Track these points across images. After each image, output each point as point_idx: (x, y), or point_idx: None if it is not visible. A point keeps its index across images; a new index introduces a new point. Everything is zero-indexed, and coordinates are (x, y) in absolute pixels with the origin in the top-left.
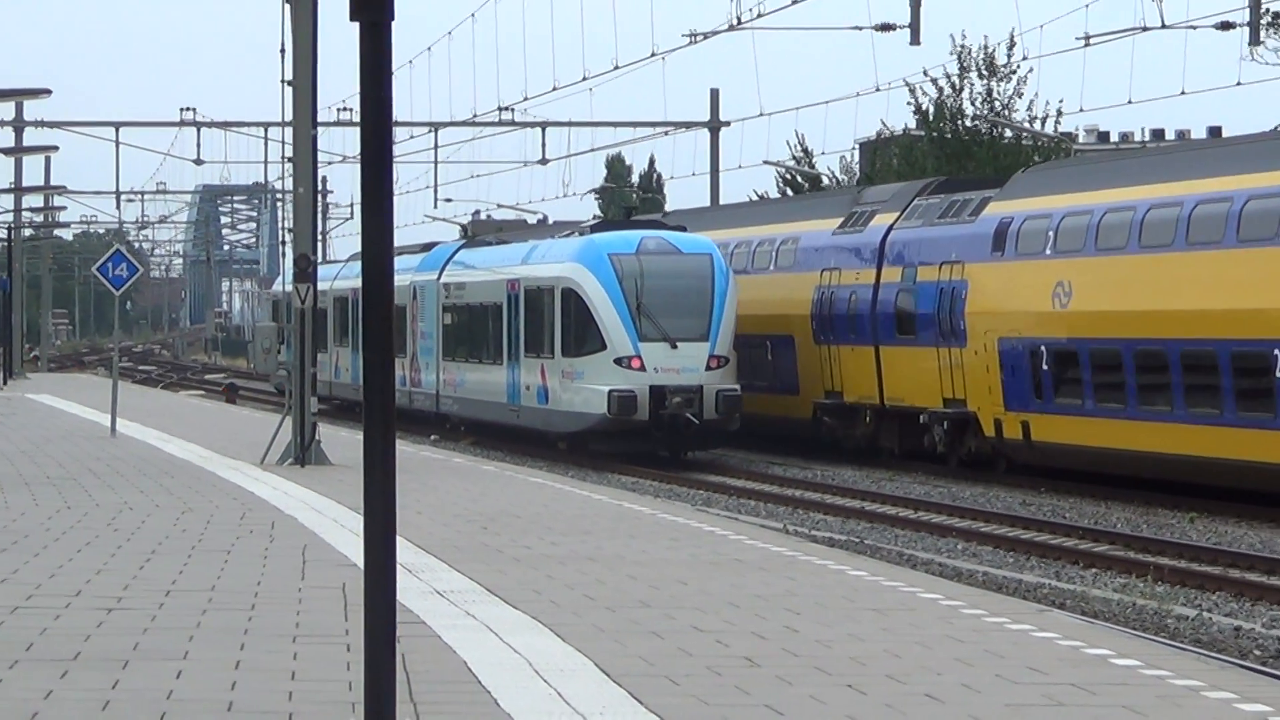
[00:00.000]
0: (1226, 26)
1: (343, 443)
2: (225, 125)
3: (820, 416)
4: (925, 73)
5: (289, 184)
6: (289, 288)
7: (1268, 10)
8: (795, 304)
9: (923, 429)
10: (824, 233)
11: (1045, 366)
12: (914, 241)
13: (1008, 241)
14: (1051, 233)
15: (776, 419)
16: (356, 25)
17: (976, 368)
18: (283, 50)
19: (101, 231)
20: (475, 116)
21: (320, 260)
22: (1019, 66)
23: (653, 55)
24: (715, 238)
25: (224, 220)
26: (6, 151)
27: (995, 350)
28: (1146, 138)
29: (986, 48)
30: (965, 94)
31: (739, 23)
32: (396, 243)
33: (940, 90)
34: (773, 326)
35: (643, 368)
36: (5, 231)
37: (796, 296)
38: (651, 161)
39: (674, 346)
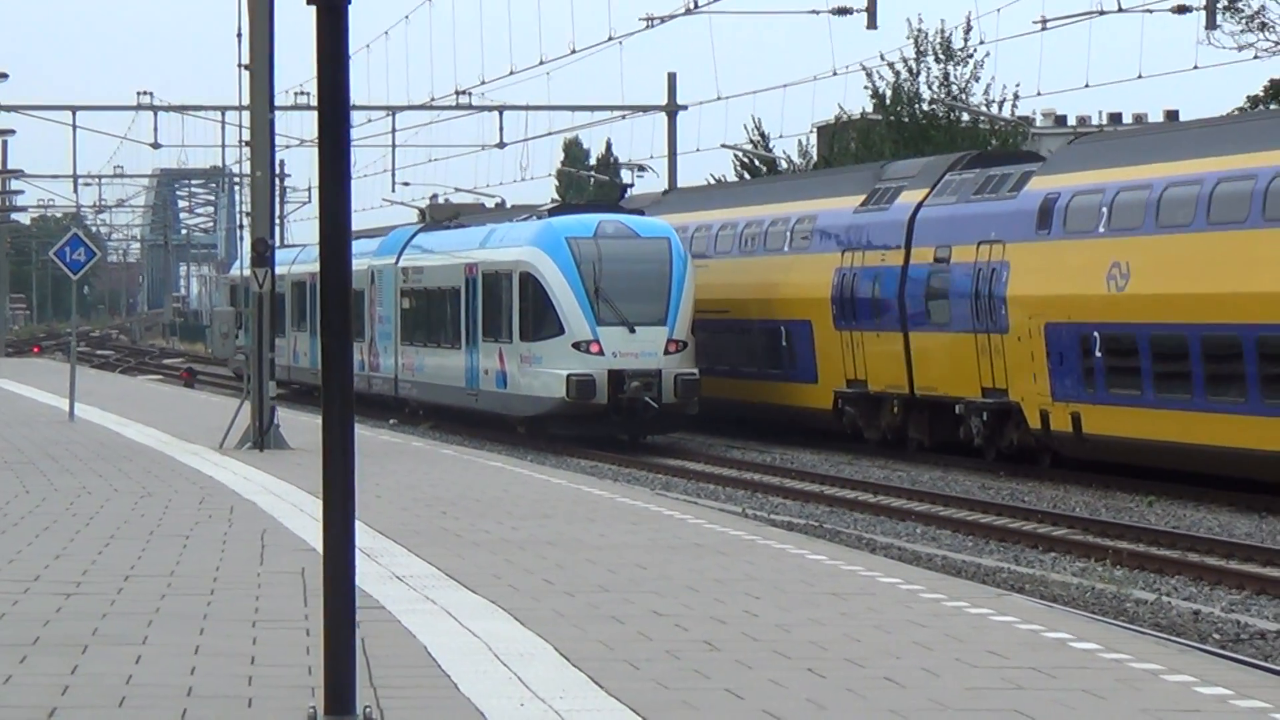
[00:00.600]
0: (1183, 10)
1: (301, 427)
2: (182, 109)
3: (842, 406)
4: (882, 57)
5: (246, 168)
6: (247, 272)
7: None
8: (813, 287)
9: (958, 420)
10: (844, 211)
11: (1099, 354)
12: (947, 219)
13: (1054, 219)
14: (1105, 209)
15: (793, 409)
16: (314, 9)
17: (1020, 355)
18: (240, 34)
19: (59, 215)
20: (432, 100)
21: (278, 244)
22: (976, 50)
23: (610, 39)
24: (722, 217)
25: (181, 204)
26: None
27: (1041, 336)
28: (1104, 121)
29: (943, 32)
30: (922, 78)
31: (696, 6)
32: (354, 227)
33: (897, 74)
34: (787, 311)
35: (601, 352)
36: None
37: (814, 279)
38: (609, 145)
39: (632, 330)
